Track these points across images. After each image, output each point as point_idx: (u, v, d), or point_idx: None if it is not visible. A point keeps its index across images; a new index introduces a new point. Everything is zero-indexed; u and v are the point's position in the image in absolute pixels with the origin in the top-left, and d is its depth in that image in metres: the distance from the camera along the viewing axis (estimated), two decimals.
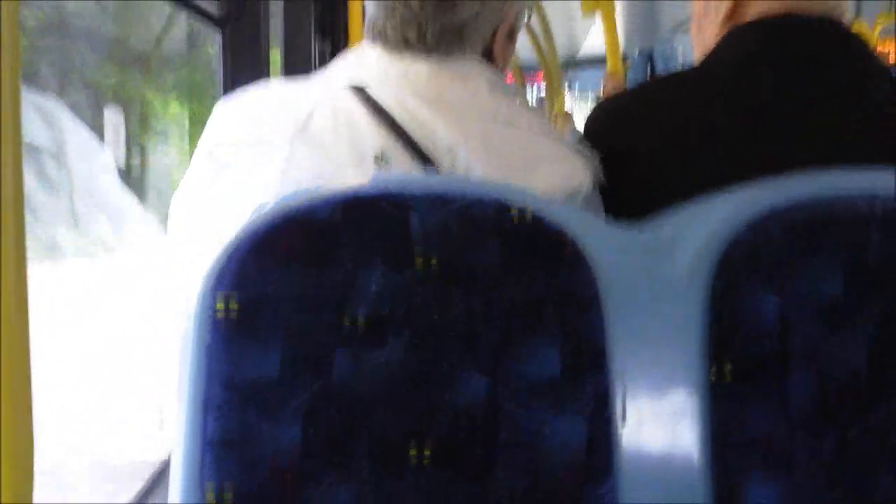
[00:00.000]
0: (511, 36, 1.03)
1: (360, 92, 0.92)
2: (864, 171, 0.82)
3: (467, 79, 0.94)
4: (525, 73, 7.17)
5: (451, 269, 0.76)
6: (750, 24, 1.03)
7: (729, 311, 0.77)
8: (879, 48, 5.91)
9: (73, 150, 8.09)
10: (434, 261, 0.75)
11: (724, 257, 0.77)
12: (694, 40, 1.14)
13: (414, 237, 0.75)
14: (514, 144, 0.92)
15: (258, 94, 0.98)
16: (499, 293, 0.76)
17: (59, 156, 8.05)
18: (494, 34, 0.99)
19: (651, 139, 1.02)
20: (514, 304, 0.76)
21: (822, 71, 0.99)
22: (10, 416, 0.64)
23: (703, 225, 0.79)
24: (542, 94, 7.34)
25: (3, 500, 0.64)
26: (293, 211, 0.75)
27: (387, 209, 0.76)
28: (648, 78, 8.24)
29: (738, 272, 0.77)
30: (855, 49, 1.01)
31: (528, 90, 7.97)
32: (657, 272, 0.79)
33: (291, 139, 0.90)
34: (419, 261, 0.75)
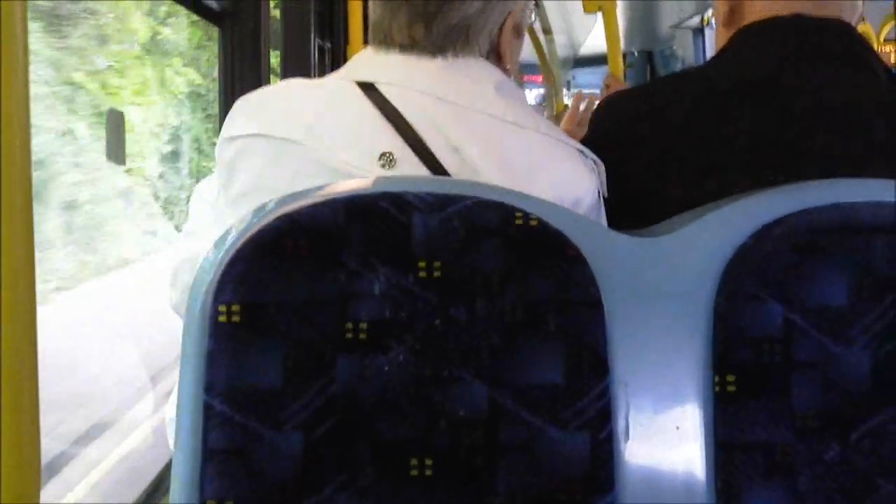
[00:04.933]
0: (518, 32, 1.03)
1: (369, 89, 0.92)
2: (867, 179, 0.82)
3: (475, 79, 0.94)
4: (524, 73, 7.16)
5: (453, 273, 0.75)
6: (759, 23, 1.03)
7: (733, 320, 0.76)
8: (882, 49, 5.93)
9: None
10: (437, 264, 0.74)
11: (729, 266, 0.77)
12: (715, 41, 1.15)
13: (416, 240, 0.74)
14: (521, 146, 0.92)
15: (273, 93, 0.98)
16: (501, 299, 0.75)
17: None
18: (500, 30, 0.99)
19: (660, 136, 1.01)
20: (516, 311, 0.75)
21: (829, 73, 0.99)
22: (15, 417, 0.64)
23: (708, 233, 0.79)
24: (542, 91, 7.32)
25: (6, 501, 0.63)
26: (295, 212, 0.74)
27: (390, 211, 0.75)
28: (648, 78, 8.23)
29: (742, 281, 0.77)
30: (861, 50, 1.01)
31: (527, 91, 7.95)
32: (661, 280, 0.78)
33: (302, 138, 0.89)
34: (422, 264, 0.74)
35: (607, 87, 2.53)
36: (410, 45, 0.94)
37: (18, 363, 0.64)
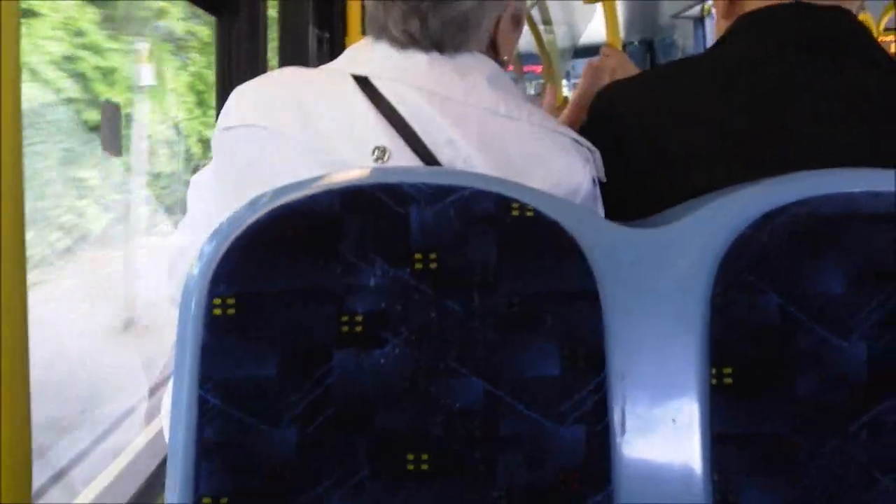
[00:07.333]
0: (516, 23, 1.02)
1: (363, 83, 0.92)
2: (867, 168, 0.81)
3: (467, 72, 0.93)
4: (524, 63, 7.14)
5: (449, 265, 0.74)
6: (759, 11, 1.02)
7: (730, 312, 0.76)
8: (882, 39, 5.92)
9: None
10: (433, 256, 0.74)
11: (727, 257, 0.76)
12: (716, 32, 1.14)
13: (413, 231, 0.74)
14: (514, 138, 0.91)
15: (270, 82, 0.98)
16: (497, 291, 0.75)
17: None
18: (498, 22, 0.98)
19: (657, 124, 1.01)
20: (512, 303, 0.75)
21: (829, 61, 0.98)
22: (7, 418, 0.63)
23: (706, 224, 0.78)
24: (542, 81, 7.31)
25: (3, 500, 0.63)
26: (292, 203, 0.74)
27: (386, 202, 0.74)
28: (649, 67, 8.22)
29: (740, 271, 0.76)
30: (862, 39, 1.00)
31: (527, 83, 7.93)
32: (658, 271, 0.77)
33: (296, 130, 0.89)
34: (418, 256, 0.74)
35: (606, 56, 2.44)
36: (408, 40, 0.93)
37: (9, 364, 0.63)
